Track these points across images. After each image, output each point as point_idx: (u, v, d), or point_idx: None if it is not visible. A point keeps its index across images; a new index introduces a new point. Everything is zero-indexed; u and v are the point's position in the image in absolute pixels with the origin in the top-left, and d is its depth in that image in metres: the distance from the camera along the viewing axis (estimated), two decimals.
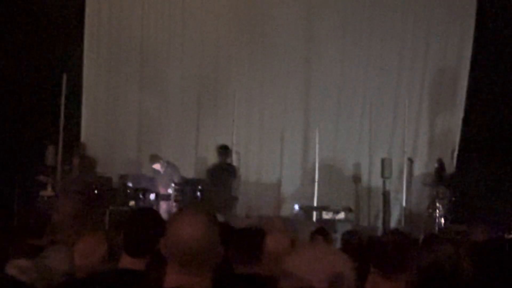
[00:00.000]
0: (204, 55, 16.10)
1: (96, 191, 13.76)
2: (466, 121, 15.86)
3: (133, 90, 15.97)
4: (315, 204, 15.26)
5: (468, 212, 14.18)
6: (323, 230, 8.90)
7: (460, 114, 16.03)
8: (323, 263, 2.58)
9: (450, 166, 15.42)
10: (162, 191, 14.41)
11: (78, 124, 15.51)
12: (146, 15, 16.20)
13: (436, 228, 14.03)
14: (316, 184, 15.42)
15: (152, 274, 3.74)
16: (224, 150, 14.73)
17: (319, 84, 16.34)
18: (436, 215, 14.24)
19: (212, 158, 15.88)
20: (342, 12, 16.44)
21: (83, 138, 15.51)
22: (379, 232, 14.59)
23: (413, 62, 16.38)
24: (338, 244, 9.09)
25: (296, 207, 15.04)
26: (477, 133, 15.13)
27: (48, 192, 13.74)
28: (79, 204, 13.03)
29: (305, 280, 2.55)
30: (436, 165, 14.79)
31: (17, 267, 4.26)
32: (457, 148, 15.85)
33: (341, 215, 14.65)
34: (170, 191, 14.33)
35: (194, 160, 16.02)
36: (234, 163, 15.13)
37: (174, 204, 13.95)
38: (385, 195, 15.29)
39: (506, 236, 12.97)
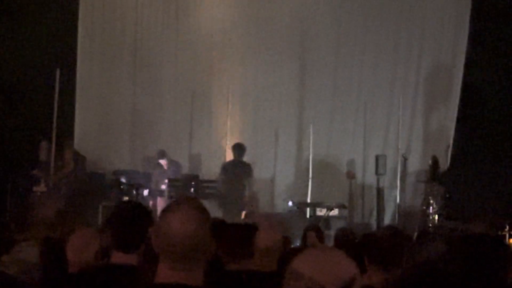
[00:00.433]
0: (198, 52, 16.06)
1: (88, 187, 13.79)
2: (460, 118, 15.86)
3: (126, 86, 15.93)
4: (309, 201, 15.26)
5: (462, 209, 14.19)
6: (316, 227, 8.91)
7: (454, 111, 16.03)
8: (337, 266, 2.55)
9: (444, 163, 15.42)
10: (161, 187, 14.45)
11: (71, 120, 15.47)
12: (140, 11, 16.16)
13: (430, 225, 14.02)
14: (310, 180, 15.41)
15: (144, 269, 3.72)
16: (238, 148, 14.76)
17: (313, 81, 16.32)
18: (430, 212, 14.23)
19: (206, 155, 15.89)
20: (336, 10, 16.41)
21: (76, 134, 15.48)
22: (373, 229, 14.58)
23: (408, 59, 16.37)
24: (331, 241, 9.07)
25: (290, 203, 15.03)
26: (471, 130, 15.12)
27: (41, 187, 13.72)
28: (69, 200, 13.06)
29: (316, 282, 2.52)
30: (430, 162, 14.77)
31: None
32: (451, 145, 15.86)
33: (335, 212, 14.65)
34: (164, 187, 14.33)
35: (188, 157, 15.98)
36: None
37: (168, 200, 13.94)
38: (379, 192, 15.30)
39: (500, 233, 12.99)
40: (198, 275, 2.82)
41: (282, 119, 16.18)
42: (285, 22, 16.19)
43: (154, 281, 2.83)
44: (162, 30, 16.23)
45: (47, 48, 14.42)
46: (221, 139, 15.57)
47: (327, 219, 14.27)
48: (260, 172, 15.68)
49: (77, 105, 15.69)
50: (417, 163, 15.93)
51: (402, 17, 16.40)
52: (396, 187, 15.27)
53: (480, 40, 15.47)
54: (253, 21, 16.08)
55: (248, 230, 4.97)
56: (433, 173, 14.60)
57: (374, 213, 15.58)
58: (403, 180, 15.31)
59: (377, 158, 15.28)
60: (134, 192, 14.12)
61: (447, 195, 14.45)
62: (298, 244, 9.44)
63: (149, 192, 14.45)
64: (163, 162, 14.91)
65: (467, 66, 15.86)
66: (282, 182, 15.97)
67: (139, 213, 4.09)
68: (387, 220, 15.41)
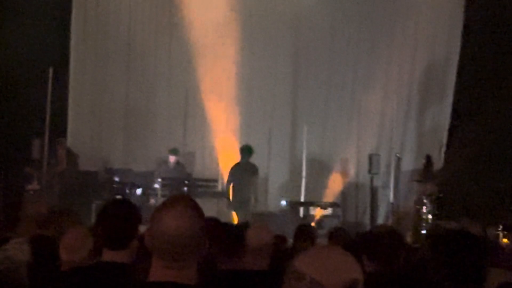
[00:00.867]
0: (191, 50, 16.02)
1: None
2: (454, 117, 15.88)
3: (119, 84, 15.91)
4: (302, 200, 15.26)
5: (456, 209, 14.20)
6: (308, 226, 8.90)
7: (448, 110, 16.05)
8: (339, 268, 2.52)
9: (438, 162, 15.42)
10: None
11: (64, 118, 15.43)
12: (133, 8, 16.13)
13: (424, 225, 14.03)
14: (303, 179, 15.42)
15: (137, 267, 3.69)
16: (247, 150, 14.69)
17: (307, 80, 16.34)
18: (423, 211, 14.23)
19: (199, 153, 15.88)
20: (330, 9, 16.41)
21: (69, 132, 15.45)
22: (366, 228, 14.58)
23: (401, 58, 16.39)
24: (324, 240, 9.06)
25: (283, 202, 15.03)
26: (465, 129, 15.13)
27: (34, 185, 13.68)
28: (62, 198, 13.03)
29: (317, 283, 2.49)
30: (424, 161, 14.78)
31: None
32: (445, 144, 15.87)
33: (328, 211, 14.65)
34: (157, 186, 14.32)
35: (181, 155, 15.95)
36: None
37: (161, 199, 13.92)
38: (373, 191, 15.30)
39: (493, 232, 13.00)
40: (191, 274, 2.80)
41: (276, 118, 16.19)
42: (279, 20, 16.20)
43: (147, 280, 2.81)
44: (156, 28, 16.21)
45: (40, 46, 14.37)
46: (215, 138, 15.55)
47: (320, 218, 14.29)
48: None
49: (70, 103, 15.66)
50: (410, 162, 15.95)
51: (396, 17, 16.42)
52: (390, 186, 15.28)
53: (474, 39, 15.47)
54: (247, 20, 16.07)
55: (240, 228, 4.97)
56: (427, 172, 14.61)
57: (368, 212, 15.58)
58: (396, 179, 15.32)
59: (370, 157, 15.28)
60: (127, 190, 14.10)
61: (441, 195, 14.46)
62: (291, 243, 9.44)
63: (142, 191, 14.43)
64: (172, 158, 14.88)
65: (461, 65, 15.88)
66: (275, 181, 15.98)
67: (128, 210, 4.07)
68: (380, 219, 15.43)
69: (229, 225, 5.34)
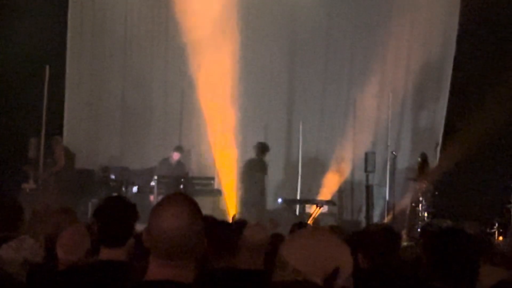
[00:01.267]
0: (187, 48, 16.01)
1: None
2: (449, 115, 15.89)
3: (116, 82, 15.89)
4: (298, 198, 15.27)
5: (451, 207, 14.23)
6: (304, 224, 8.91)
7: (443, 108, 16.07)
8: (321, 256, 2.52)
9: (434, 161, 15.44)
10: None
11: (60, 117, 15.41)
12: (129, 6, 16.11)
13: (419, 223, 14.05)
14: (299, 177, 15.42)
15: (134, 266, 3.70)
16: (262, 147, 14.75)
17: (303, 78, 16.33)
18: (419, 210, 14.26)
19: (195, 151, 15.86)
20: (326, 8, 16.40)
21: (65, 130, 15.44)
22: (362, 226, 14.59)
23: (397, 56, 16.39)
24: None
25: (279, 200, 15.03)
26: (460, 127, 15.14)
27: (30, 184, 13.67)
28: (58, 197, 13.02)
29: (300, 273, 2.50)
30: (419, 159, 14.80)
31: None
32: (440, 142, 15.89)
33: (324, 209, 14.66)
34: (153, 183, 14.31)
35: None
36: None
37: (158, 197, 13.92)
38: (368, 189, 15.29)
39: (488, 230, 13.05)
40: (188, 272, 2.80)
41: (272, 116, 16.18)
42: (275, 18, 16.19)
43: (144, 278, 2.81)
44: (152, 26, 16.20)
45: (36, 44, 14.36)
46: (211, 135, 15.54)
47: (316, 217, 14.30)
48: None
49: (66, 102, 15.63)
50: (406, 160, 15.97)
51: (391, 15, 16.40)
52: (386, 184, 15.28)
53: (469, 38, 15.48)
54: (243, 17, 16.05)
55: (236, 227, 4.97)
56: (422, 171, 14.63)
57: (363, 210, 15.59)
58: (392, 177, 15.32)
59: (366, 155, 15.28)
60: (123, 189, 14.09)
61: (436, 193, 14.49)
62: None
63: (138, 189, 14.42)
64: (176, 155, 14.92)
65: (456, 63, 15.89)
66: (271, 178, 15.95)
67: (125, 207, 4.07)
68: (376, 217, 15.42)
69: (225, 223, 5.35)
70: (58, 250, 4.43)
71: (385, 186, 15.28)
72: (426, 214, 14.22)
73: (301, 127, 15.53)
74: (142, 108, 15.96)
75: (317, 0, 16.37)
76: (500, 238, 13.00)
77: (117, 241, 3.95)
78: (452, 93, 15.96)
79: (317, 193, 15.49)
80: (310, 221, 13.67)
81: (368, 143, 16.04)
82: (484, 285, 4.03)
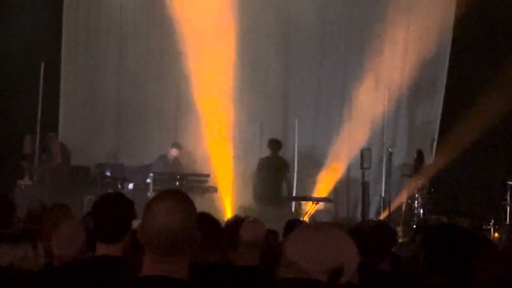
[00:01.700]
0: (183, 45, 15.99)
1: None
2: (445, 112, 15.90)
3: (111, 79, 15.90)
4: (294, 194, 15.26)
5: (447, 203, 14.24)
6: (298, 221, 8.90)
7: (439, 105, 16.07)
8: (325, 253, 2.50)
9: (430, 157, 15.44)
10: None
11: (56, 113, 15.41)
12: (125, 2, 16.10)
13: (415, 219, 14.05)
14: (295, 174, 15.42)
15: (129, 261, 3.69)
16: (275, 144, 14.77)
17: (299, 75, 16.33)
18: (415, 206, 14.25)
19: (191, 149, 15.85)
20: (321, 5, 16.40)
21: (61, 127, 15.43)
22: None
23: (393, 52, 16.38)
24: None
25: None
26: (456, 124, 15.15)
27: (25, 181, 13.66)
28: (53, 193, 13.01)
29: (303, 271, 2.48)
30: (415, 156, 14.79)
31: None
32: (436, 138, 15.89)
33: (320, 206, 14.65)
34: (148, 180, 14.31)
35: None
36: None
37: (153, 194, 13.92)
38: (364, 186, 15.29)
39: (484, 226, 13.05)
40: (183, 268, 2.80)
41: (267, 113, 16.17)
42: (270, 15, 16.19)
43: (139, 274, 2.81)
44: (148, 23, 16.18)
45: (31, 41, 14.34)
46: (206, 132, 15.53)
47: (311, 214, 14.30)
48: (245, 166, 15.67)
49: (61, 98, 15.63)
50: (402, 157, 15.96)
51: (387, 12, 16.39)
52: (381, 181, 15.28)
53: (465, 35, 15.49)
54: (238, 15, 16.03)
55: (232, 224, 4.97)
56: (418, 167, 14.62)
57: (359, 206, 15.58)
58: (388, 174, 15.31)
59: (362, 152, 15.27)
60: (119, 185, 14.08)
61: (432, 189, 14.48)
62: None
63: (134, 186, 14.42)
64: (175, 152, 14.94)
65: (452, 60, 15.90)
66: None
67: (122, 203, 4.06)
68: (372, 214, 15.42)
69: (213, 219, 5.32)
70: (53, 246, 4.42)
71: (381, 183, 15.28)
72: (422, 211, 14.21)
73: (296, 124, 15.53)
74: (138, 104, 15.94)
75: None
76: (496, 234, 13.01)
77: (114, 237, 3.94)
78: (447, 89, 15.96)
79: (312, 190, 15.49)
80: (306, 218, 13.67)
81: (364, 140, 16.02)
82: (481, 281, 4.03)
